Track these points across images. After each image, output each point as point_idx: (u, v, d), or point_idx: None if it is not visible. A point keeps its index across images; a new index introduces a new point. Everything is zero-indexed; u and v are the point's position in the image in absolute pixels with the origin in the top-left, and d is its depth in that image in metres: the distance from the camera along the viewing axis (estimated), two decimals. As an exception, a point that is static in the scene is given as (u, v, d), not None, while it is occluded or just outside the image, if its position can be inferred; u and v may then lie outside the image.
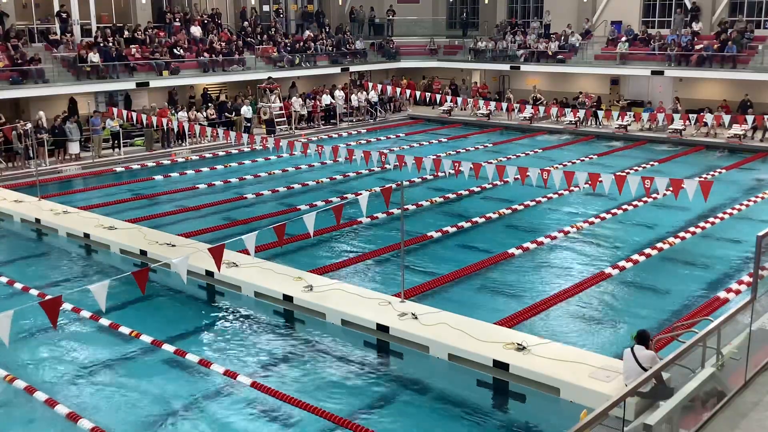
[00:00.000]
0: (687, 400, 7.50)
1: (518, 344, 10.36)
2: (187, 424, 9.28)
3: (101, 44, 26.94)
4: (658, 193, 18.51)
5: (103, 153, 24.97)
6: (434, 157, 16.94)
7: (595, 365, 9.80)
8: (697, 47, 30.11)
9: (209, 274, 13.63)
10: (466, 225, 17.31)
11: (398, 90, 32.58)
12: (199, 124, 25.46)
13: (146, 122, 24.02)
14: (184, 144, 27.06)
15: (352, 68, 35.57)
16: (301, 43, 34.04)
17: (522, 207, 18.87)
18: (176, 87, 28.86)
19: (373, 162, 18.73)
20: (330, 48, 35.07)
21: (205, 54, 29.92)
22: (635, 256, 14.88)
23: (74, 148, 24.20)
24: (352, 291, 12.69)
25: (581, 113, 29.56)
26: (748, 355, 8.29)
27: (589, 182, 14.50)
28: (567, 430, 5.59)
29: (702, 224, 17.07)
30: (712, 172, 22.74)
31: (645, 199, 18.97)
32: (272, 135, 26.36)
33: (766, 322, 8.91)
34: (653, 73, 31.04)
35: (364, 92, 33.30)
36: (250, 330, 12.06)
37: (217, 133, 21.61)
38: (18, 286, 13.67)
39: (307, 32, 35.46)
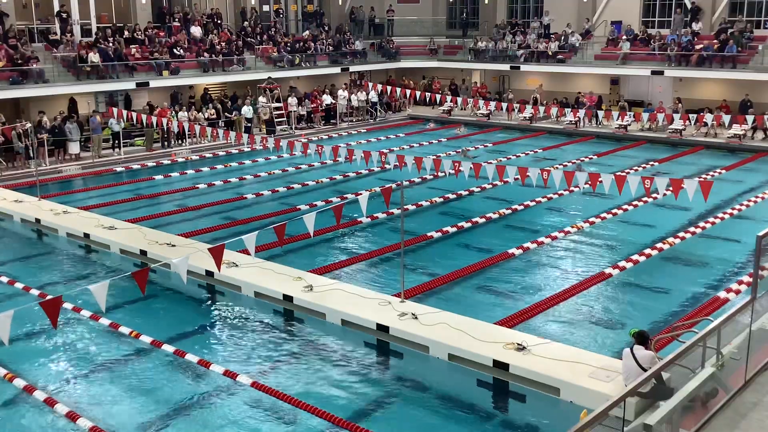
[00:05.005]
0: (687, 400, 7.51)
1: (518, 344, 10.36)
2: (187, 425, 9.27)
3: (101, 44, 26.94)
4: (658, 193, 18.50)
5: (103, 153, 24.98)
6: (434, 157, 16.95)
7: (594, 365, 9.80)
8: (697, 47, 30.10)
9: (209, 274, 13.64)
10: (466, 225, 17.31)
11: (398, 90, 32.54)
12: (199, 124, 25.47)
13: (146, 122, 24.04)
14: (184, 144, 27.08)
15: (352, 68, 35.55)
16: (301, 43, 34.04)
17: (522, 207, 18.87)
18: (175, 87, 28.90)
19: (373, 162, 18.73)
20: (330, 48, 35.07)
21: (205, 54, 29.92)
22: (635, 256, 14.88)
23: (74, 148, 24.21)
24: (352, 291, 12.68)
25: (581, 113, 29.56)
26: (748, 355, 8.30)
27: (589, 182, 14.50)
28: (567, 430, 5.59)
29: (702, 224, 17.07)
30: (712, 172, 22.75)
31: (645, 199, 18.97)
32: (272, 135, 26.36)
33: (766, 322, 8.91)
34: (653, 73, 31.02)
35: (364, 92, 33.28)
36: (250, 330, 12.05)
37: (217, 133, 21.63)
38: (18, 286, 13.67)
39: (307, 32, 35.45)
